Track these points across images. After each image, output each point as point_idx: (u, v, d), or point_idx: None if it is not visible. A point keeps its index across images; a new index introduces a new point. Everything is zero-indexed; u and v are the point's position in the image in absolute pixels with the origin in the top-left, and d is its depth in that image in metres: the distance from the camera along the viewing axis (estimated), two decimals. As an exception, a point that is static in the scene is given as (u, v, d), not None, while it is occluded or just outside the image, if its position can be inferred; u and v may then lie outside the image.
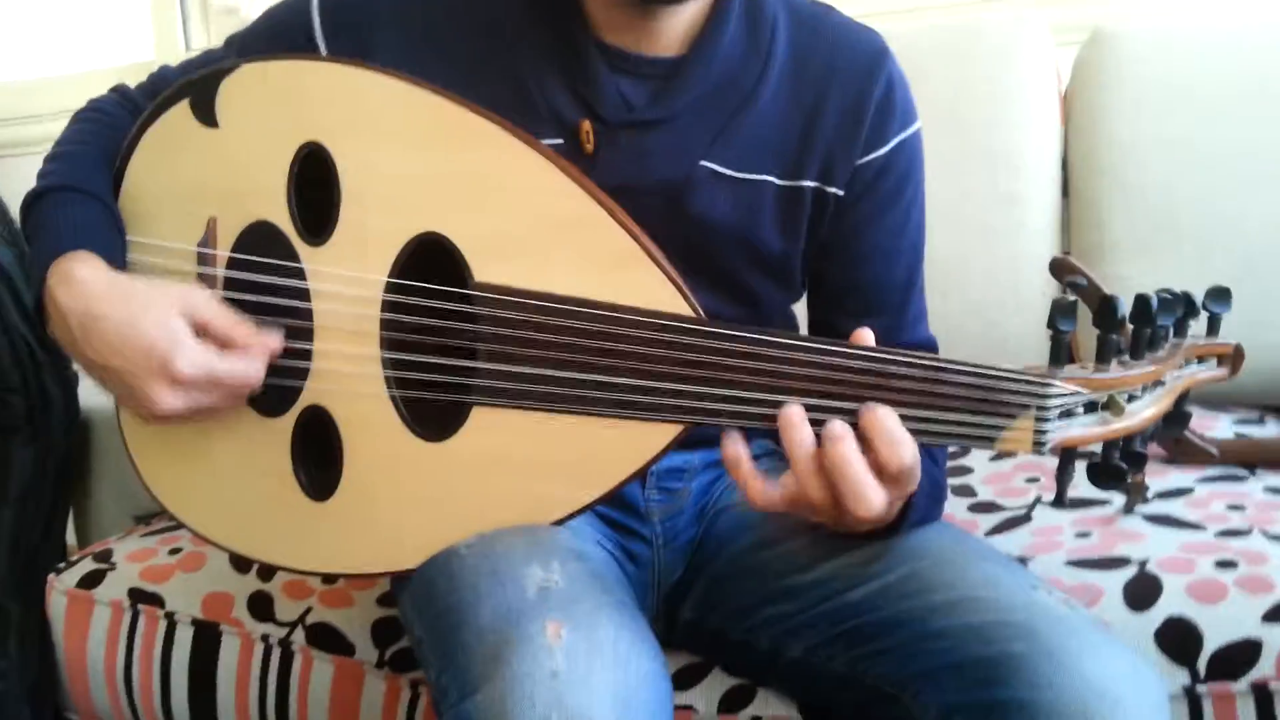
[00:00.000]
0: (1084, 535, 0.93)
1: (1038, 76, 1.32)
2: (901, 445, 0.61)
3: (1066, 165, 1.33)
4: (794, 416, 0.63)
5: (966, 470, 1.11)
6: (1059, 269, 1.04)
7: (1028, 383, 0.60)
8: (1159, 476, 1.03)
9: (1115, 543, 0.90)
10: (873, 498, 0.62)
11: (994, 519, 0.99)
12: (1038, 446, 0.61)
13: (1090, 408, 0.61)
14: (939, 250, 1.29)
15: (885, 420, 0.61)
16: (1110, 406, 0.60)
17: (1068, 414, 0.61)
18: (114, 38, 2.02)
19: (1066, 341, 0.59)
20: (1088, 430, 0.61)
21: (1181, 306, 0.63)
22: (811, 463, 0.62)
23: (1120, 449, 0.61)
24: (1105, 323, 0.60)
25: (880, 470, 0.62)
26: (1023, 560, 0.88)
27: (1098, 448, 0.62)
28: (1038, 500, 1.01)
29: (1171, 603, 0.81)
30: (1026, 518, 0.98)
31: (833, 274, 0.84)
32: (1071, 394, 0.60)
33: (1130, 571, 0.85)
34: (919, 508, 0.72)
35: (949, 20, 1.40)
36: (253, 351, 0.75)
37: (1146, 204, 1.26)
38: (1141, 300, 0.61)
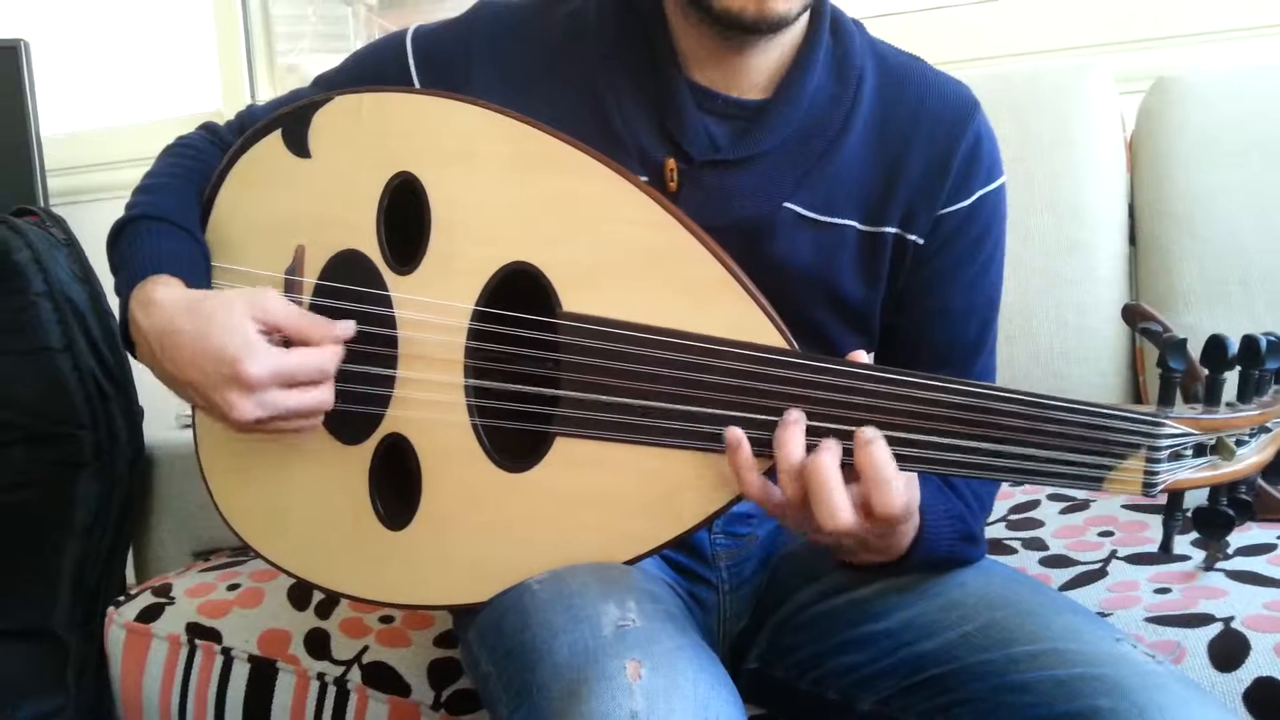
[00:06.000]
0: (1163, 591, 0.89)
1: (1102, 124, 1.31)
2: (893, 492, 0.62)
3: (1133, 213, 1.32)
4: (790, 416, 0.65)
5: (1038, 524, 1.08)
6: (1132, 315, 1.02)
7: (1139, 421, 0.59)
8: (1238, 532, 0.98)
9: (1197, 599, 0.87)
10: (842, 518, 0.62)
11: (1068, 573, 0.95)
12: (1148, 488, 0.59)
13: (1199, 450, 0.59)
14: (1005, 298, 1.28)
15: (881, 462, 0.62)
16: (1220, 450, 0.58)
17: (1176, 456, 0.59)
18: (182, 89, 2.08)
19: (1176, 381, 0.57)
20: (1198, 474, 0.59)
21: None
22: (794, 469, 0.64)
23: (1226, 495, 0.59)
24: (1214, 362, 0.58)
25: (865, 510, 0.63)
26: (1101, 615, 0.85)
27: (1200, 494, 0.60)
28: (1113, 554, 0.98)
29: (1260, 662, 0.78)
30: (1102, 572, 0.95)
31: (905, 327, 0.83)
32: (1183, 434, 0.58)
33: (1215, 629, 0.82)
34: (936, 540, 0.71)
35: (1011, 69, 1.40)
36: (324, 343, 0.75)
37: (1215, 250, 1.23)
38: (1250, 341, 0.59)
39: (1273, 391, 0.62)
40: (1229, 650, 0.79)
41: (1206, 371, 0.61)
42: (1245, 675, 0.77)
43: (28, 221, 1.38)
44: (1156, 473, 0.58)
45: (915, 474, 0.66)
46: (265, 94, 2.03)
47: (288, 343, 0.75)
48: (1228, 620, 0.82)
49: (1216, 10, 1.42)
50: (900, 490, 0.63)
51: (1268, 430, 0.60)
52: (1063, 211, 1.28)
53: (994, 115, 1.29)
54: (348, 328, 0.76)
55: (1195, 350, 0.62)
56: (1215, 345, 0.59)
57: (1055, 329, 1.27)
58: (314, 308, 0.80)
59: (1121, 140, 1.32)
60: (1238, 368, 0.60)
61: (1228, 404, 0.60)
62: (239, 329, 0.72)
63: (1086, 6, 1.48)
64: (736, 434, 0.66)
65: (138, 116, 2.07)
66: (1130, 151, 1.33)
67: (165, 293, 0.76)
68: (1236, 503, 0.60)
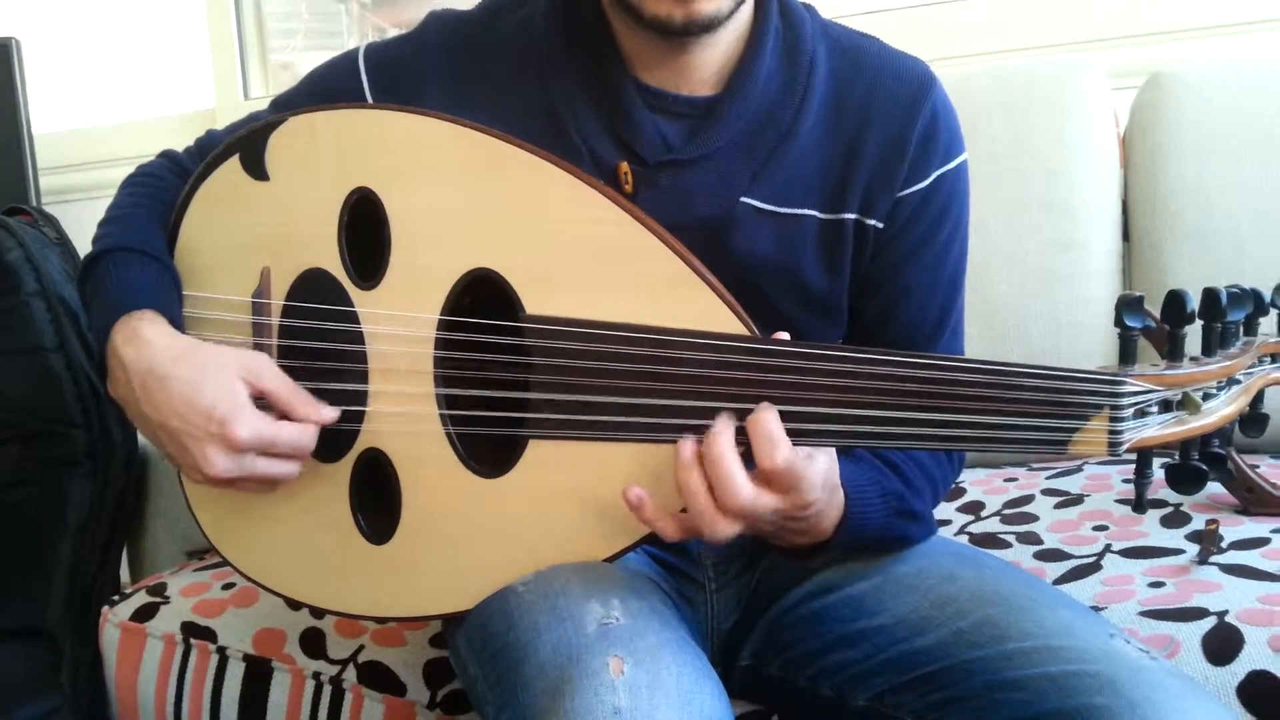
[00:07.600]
0: (1157, 585, 0.90)
1: (1095, 120, 1.31)
2: (775, 445, 0.62)
3: (1127, 209, 1.32)
4: (686, 456, 0.64)
5: (1032, 518, 1.08)
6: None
7: (1099, 381, 0.59)
8: (1233, 526, 0.99)
9: (1191, 593, 0.87)
10: (743, 492, 0.62)
11: (1062, 567, 0.96)
12: (1113, 447, 0.59)
13: (1165, 406, 0.59)
14: (998, 296, 1.29)
15: (765, 421, 0.62)
16: (1186, 404, 0.58)
17: (1142, 413, 0.59)
18: (175, 86, 2.08)
19: (1135, 339, 0.57)
20: (1164, 430, 0.58)
21: (1250, 302, 0.61)
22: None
23: (1198, 450, 0.59)
24: (1173, 317, 0.58)
25: (759, 474, 0.63)
26: (1095, 610, 0.85)
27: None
28: (1107, 548, 0.98)
29: (1254, 656, 0.78)
30: (1096, 566, 0.95)
31: (870, 309, 0.83)
32: (1145, 391, 0.58)
33: (1209, 623, 0.82)
34: (865, 516, 0.71)
35: (1004, 66, 1.40)
36: (308, 424, 0.76)
37: (1208, 247, 1.24)
38: (1210, 294, 0.59)
39: (1240, 344, 0.62)
40: (1223, 644, 0.79)
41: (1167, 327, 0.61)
42: (1239, 669, 0.77)
43: (20, 220, 1.38)
44: (1121, 431, 0.58)
45: (833, 450, 0.66)
46: (258, 91, 2.03)
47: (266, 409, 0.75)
48: (1222, 614, 0.82)
49: (1210, 5, 1.42)
50: (785, 446, 0.62)
51: (1238, 383, 0.60)
52: (1056, 208, 1.28)
53: (987, 112, 1.30)
54: (332, 414, 0.77)
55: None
56: (1174, 300, 0.58)
57: (1049, 325, 1.27)
58: (283, 329, 0.80)
59: (1115, 136, 1.32)
60: (1199, 322, 0.60)
61: (1191, 358, 0.60)
62: (232, 389, 0.73)
63: (1080, 2, 1.48)
64: (635, 494, 0.66)
65: (130, 114, 2.06)
66: (1124, 147, 1.33)
67: (153, 332, 0.76)
68: (1209, 457, 0.59)
